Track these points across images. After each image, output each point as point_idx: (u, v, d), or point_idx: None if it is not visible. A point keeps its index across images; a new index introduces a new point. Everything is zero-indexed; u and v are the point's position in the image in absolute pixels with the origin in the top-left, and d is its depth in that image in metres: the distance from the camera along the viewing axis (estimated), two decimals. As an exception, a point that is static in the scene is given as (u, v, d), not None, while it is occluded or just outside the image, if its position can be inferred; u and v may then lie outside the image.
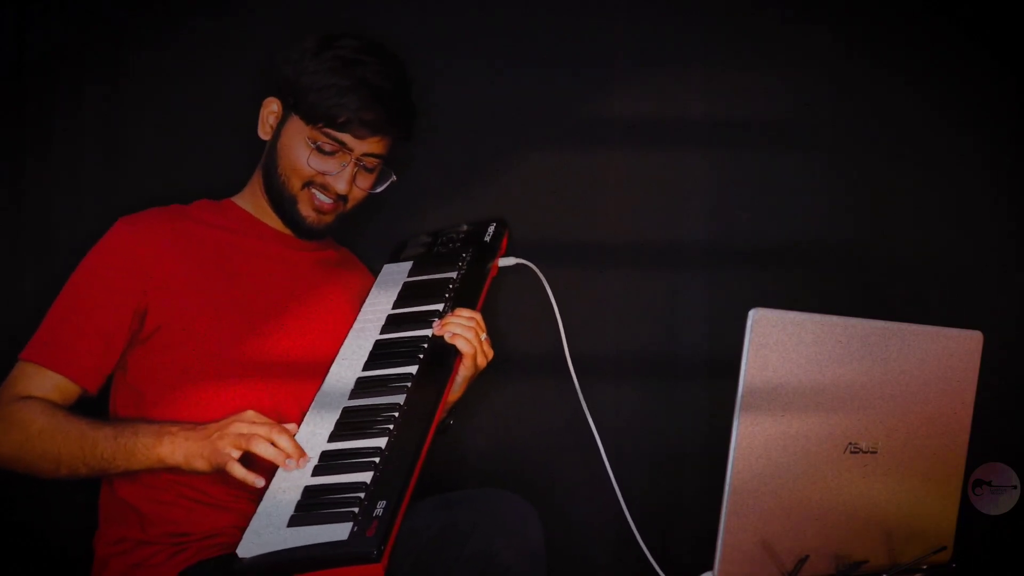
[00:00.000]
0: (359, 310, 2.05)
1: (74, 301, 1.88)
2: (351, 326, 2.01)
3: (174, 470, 1.76)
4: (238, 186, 2.10)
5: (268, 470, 1.72)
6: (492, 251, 2.13)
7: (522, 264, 2.10)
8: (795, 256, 2.39)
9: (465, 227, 2.23)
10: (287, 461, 1.69)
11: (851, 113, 2.39)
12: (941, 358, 1.72)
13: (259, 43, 2.27)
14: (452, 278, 2.04)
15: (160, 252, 1.91)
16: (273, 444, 1.70)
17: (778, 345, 1.56)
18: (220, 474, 1.72)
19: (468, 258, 2.09)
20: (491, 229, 2.18)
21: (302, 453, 1.71)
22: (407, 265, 2.15)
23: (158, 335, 1.87)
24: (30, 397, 1.83)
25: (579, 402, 2.00)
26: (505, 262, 2.12)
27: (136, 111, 2.30)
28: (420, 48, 2.32)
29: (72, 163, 2.27)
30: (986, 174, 2.40)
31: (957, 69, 2.39)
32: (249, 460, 1.72)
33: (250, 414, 1.74)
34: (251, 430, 1.71)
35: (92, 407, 1.90)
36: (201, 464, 1.73)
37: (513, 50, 2.39)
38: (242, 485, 1.77)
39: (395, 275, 2.12)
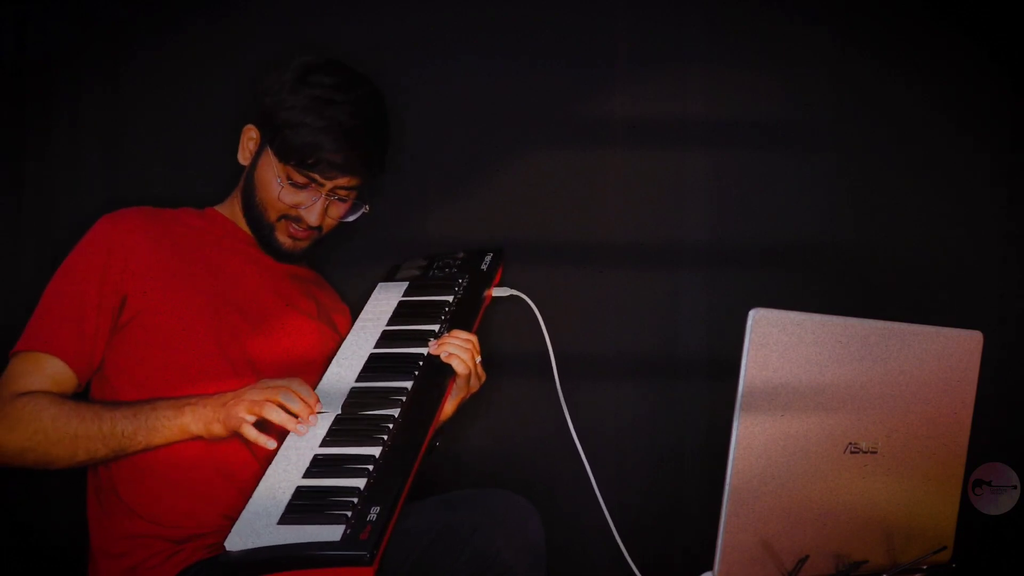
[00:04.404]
0: (332, 330, 2.07)
1: (60, 291, 1.90)
2: (328, 340, 2.04)
3: (196, 439, 1.80)
4: (233, 185, 2.10)
5: (281, 435, 1.77)
6: (488, 279, 2.15)
7: (516, 295, 2.10)
8: (795, 256, 2.38)
9: (462, 254, 2.24)
10: (299, 426, 1.75)
11: (851, 113, 2.39)
12: (941, 358, 1.72)
13: (256, 47, 2.27)
14: (448, 301, 2.07)
15: (140, 243, 1.92)
16: (286, 409, 1.75)
17: (778, 345, 1.56)
18: (238, 437, 1.77)
19: (465, 284, 2.12)
20: (488, 259, 2.20)
21: (313, 409, 1.77)
22: (403, 285, 2.17)
23: (135, 323, 1.88)
24: (32, 392, 1.83)
25: (573, 405, 2.00)
26: (499, 292, 2.13)
27: (135, 111, 2.30)
28: (419, 46, 2.32)
29: (72, 163, 2.27)
30: (986, 174, 2.40)
31: (957, 69, 2.39)
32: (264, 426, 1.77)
33: (265, 381, 1.79)
34: (264, 395, 1.75)
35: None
36: (218, 428, 1.77)
37: (513, 49, 2.38)
38: (239, 481, 1.81)
39: (390, 292, 2.14)
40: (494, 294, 2.13)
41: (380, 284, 2.19)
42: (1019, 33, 2.37)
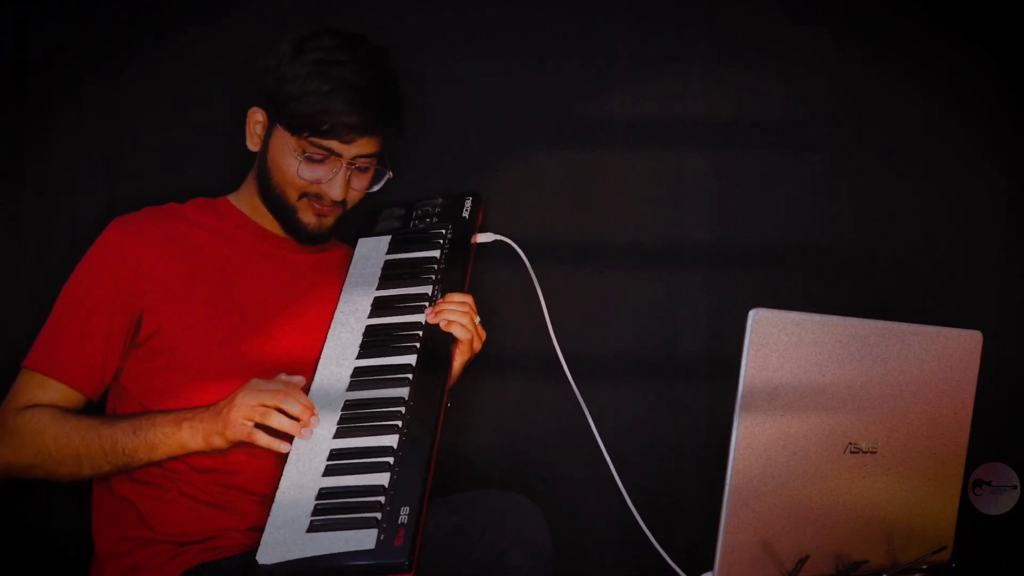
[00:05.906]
0: None
1: (72, 306, 1.87)
2: None
3: (196, 454, 1.78)
4: (235, 184, 2.09)
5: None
6: (471, 227, 2.09)
7: (500, 240, 2.07)
8: (795, 256, 2.38)
9: (440, 200, 2.17)
10: (303, 430, 1.72)
11: (851, 113, 2.39)
12: (941, 358, 1.72)
13: (257, 42, 2.26)
14: (436, 257, 2.01)
15: (155, 254, 1.89)
16: (285, 413, 1.72)
17: (778, 345, 1.56)
18: (240, 446, 1.75)
19: (449, 236, 2.05)
20: (468, 204, 2.13)
21: (313, 411, 1.74)
22: (384, 240, 2.10)
23: (155, 339, 1.86)
24: (36, 406, 1.82)
25: (574, 405, 2.00)
26: (483, 238, 2.08)
27: (135, 110, 2.30)
28: (419, 46, 2.32)
29: (72, 163, 2.27)
30: (986, 174, 2.40)
31: (957, 69, 2.39)
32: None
33: (255, 382, 1.76)
34: (259, 399, 1.72)
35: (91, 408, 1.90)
36: (219, 441, 1.74)
37: (513, 49, 2.38)
38: (241, 484, 1.82)
39: (373, 251, 2.07)
40: (478, 240, 2.07)
41: (360, 240, 2.11)
42: (1019, 33, 2.37)
